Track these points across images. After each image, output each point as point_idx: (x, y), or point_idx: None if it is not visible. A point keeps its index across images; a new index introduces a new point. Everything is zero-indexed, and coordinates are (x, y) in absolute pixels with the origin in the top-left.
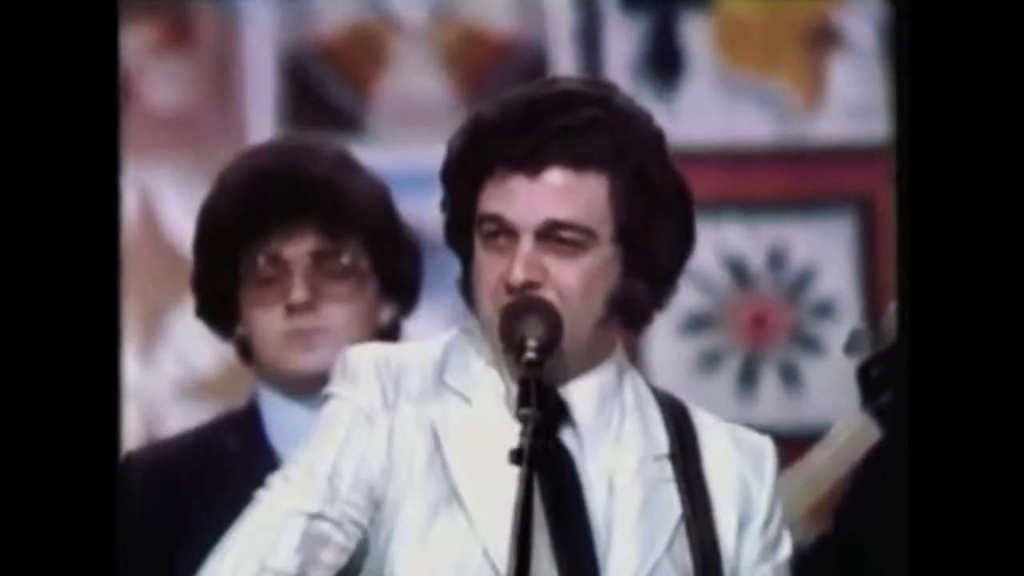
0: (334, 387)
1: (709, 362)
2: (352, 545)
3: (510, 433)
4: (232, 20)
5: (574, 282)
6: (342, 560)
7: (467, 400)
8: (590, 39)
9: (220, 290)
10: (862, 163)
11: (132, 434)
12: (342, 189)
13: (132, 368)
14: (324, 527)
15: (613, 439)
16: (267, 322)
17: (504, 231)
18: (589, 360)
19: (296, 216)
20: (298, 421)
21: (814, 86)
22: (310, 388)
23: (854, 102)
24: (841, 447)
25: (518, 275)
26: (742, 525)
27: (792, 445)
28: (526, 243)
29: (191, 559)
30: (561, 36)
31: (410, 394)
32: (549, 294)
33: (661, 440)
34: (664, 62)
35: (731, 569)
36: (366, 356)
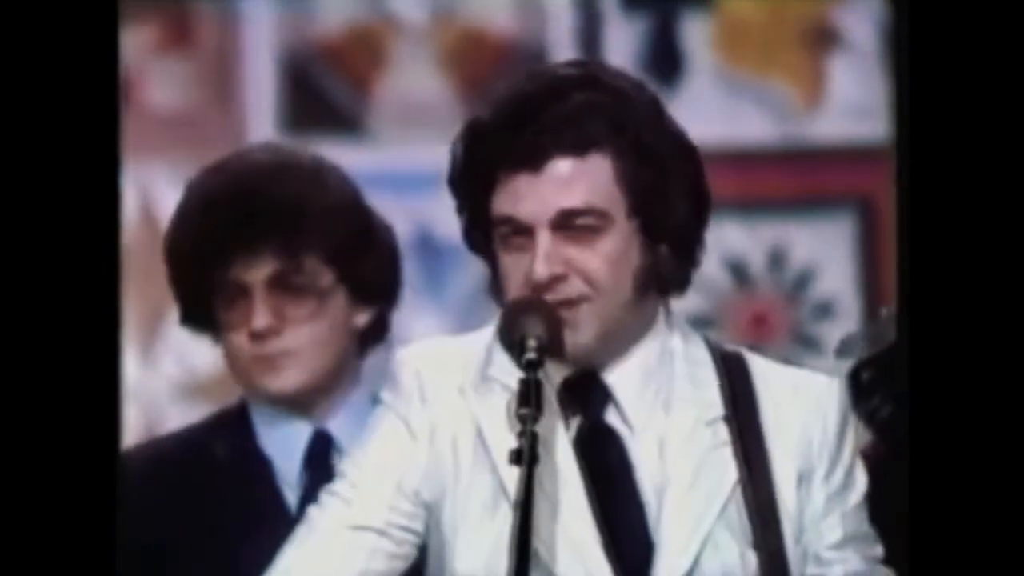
0: (383, 391)
1: None
2: (405, 550)
3: (552, 423)
4: (232, 20)
5: (599, 266)
6: (397, 566)
7: (512, 390)
8: (590, 39)
9: (196, 303)
10: (862, 163)
11: (132, 434)
12: (303, 207)
13: (132, 368)
14: (370, 537)
15: (662, 408)
16: (236, 344)
17: (519, 231)
18: (629, 339)
19: (253, 241)
20: (285, 426)
21: (814, 86)
22: (286, 405)
23: (854, 102)
24: None
25: (541, 271)
26: (803, 480)
27: None
28: (543, 238)
29: (183, 559)
30: (561, 36)
31: (452, 393)
32: (577, 285)
33: (715, 403)
34: (664, 62)
35: (794, 527)
36: (409, 359)
